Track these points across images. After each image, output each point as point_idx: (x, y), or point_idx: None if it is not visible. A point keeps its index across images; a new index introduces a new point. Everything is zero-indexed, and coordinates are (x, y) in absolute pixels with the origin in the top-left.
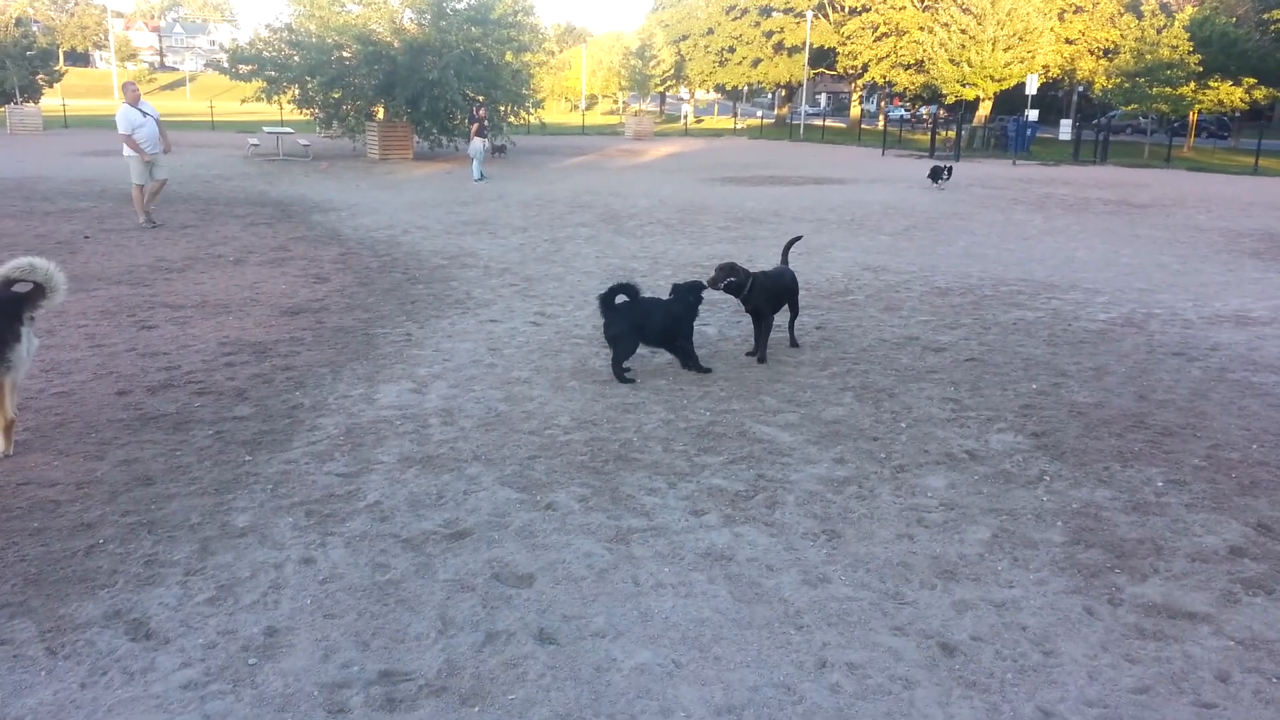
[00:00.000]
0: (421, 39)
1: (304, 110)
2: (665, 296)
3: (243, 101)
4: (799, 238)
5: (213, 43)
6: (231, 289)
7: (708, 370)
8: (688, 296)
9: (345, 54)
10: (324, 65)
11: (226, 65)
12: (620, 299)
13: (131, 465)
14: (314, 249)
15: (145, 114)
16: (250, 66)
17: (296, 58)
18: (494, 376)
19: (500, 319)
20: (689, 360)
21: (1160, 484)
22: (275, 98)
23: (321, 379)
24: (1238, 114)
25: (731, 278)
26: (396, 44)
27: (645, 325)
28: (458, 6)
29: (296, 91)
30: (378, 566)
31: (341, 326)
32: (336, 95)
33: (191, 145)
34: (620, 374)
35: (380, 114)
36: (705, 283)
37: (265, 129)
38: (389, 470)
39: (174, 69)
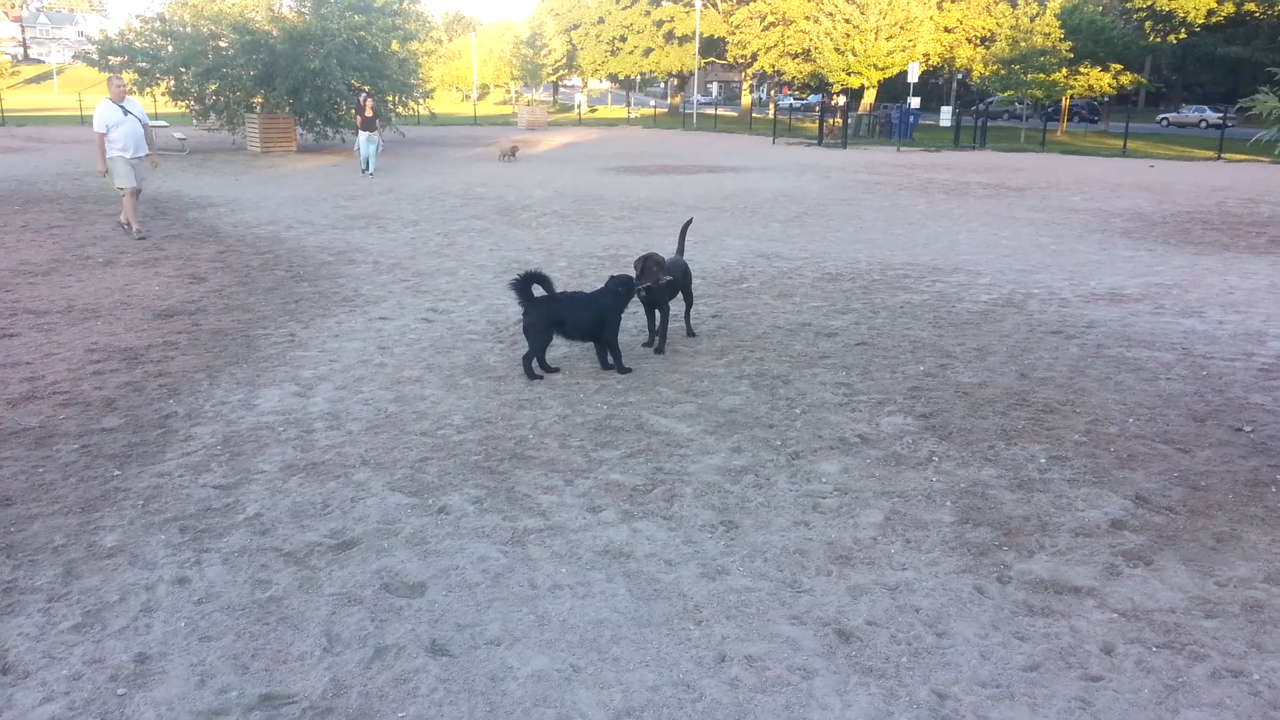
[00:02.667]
0: (302, 27)
1: (179, 102)
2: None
3: None
4: (690, 220)
5: (80, 34)
6: (101, 292)
7: (629, 371)
8: (617, 288)
9: (222, 44)
10: (199, 56)
11: (95, 57)
12: (536, 289)
13: None
14: (190, 248)
15: (127, 112)
16: (121, 58)
17: (170, 48)
18: (384, 376)
19: (390, 316)
20: (614, 358)
21: (1043, 460)
22: (148, 90)
23: (197, 385)
24: (1107, 99)
25: (668, 276)
26: (275, 33)
27: (566, 319)
28: None
29: (171, 83)
30: (258, 583)
31: (220, 329)
32: (213, 87)
33: (60, 141)
34: (530, 369)
35: (260, 105)
36: (637, 284)
37: None
38: (270, 480)
39: (39, 61)
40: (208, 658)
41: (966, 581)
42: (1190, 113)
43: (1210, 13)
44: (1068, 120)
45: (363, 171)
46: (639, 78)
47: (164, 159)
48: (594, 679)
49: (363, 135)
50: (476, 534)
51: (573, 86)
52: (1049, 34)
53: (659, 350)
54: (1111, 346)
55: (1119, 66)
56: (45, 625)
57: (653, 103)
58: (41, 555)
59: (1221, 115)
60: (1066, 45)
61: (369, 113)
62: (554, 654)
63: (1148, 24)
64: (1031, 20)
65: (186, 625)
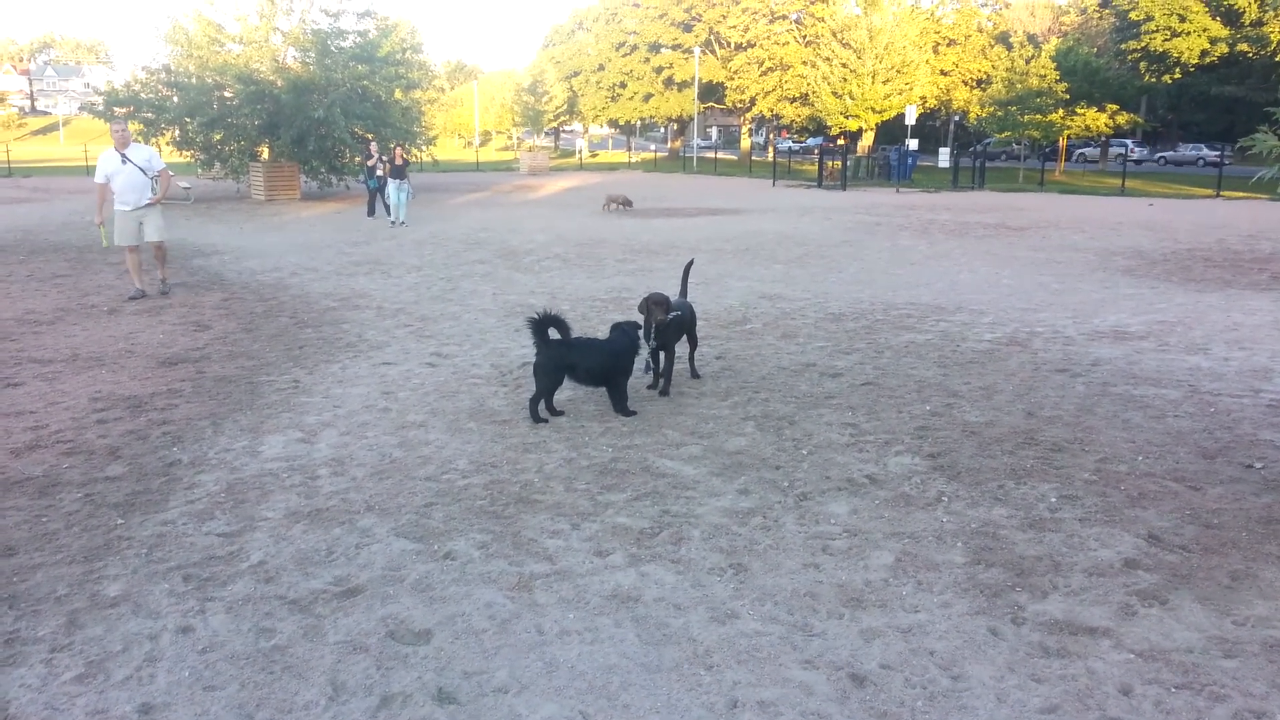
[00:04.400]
0: (306, 77)
1: (184, 152)
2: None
3: None
4: (691, 262)
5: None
6: (105, 340)
7: (634, 414)
8: (633, 333)
9: (226, 94)
10: (204, 106)
11: (101, 108)
12: (552, 332)
13: None
14: (195, 295)
15: (126, 160)
16: (127, 109)
17: (175, 98)
18: (388, 421)
19: (394, 361)
20: (621, 401)
21: (1054, 499)
22: (153, 139)
23: (201, 433)
24: (1104, 138)
25: (676, 312)
26: (280, 83)
27: (578, 364)
28: (343, 45)
29: (176, 133)
30: (262, 631)
31: (224, 376)
32: (218, 136)
33: (65, 191)
34: (535, 412)
35: (265, 154)
36: (647, 324)
37: None
38: (274, 527)
39: (46, 113)
40: (212, 708)
41: (980, 623)
42: (1188, 151)
43: (1204, 53)
44: (1065, 160)
45: (392, 223)
46: (639, 123)
47: (169, 208)
48: None
49: (392, 184)
50: (483, 580)
51: (574, 132)
52: (1045, 75)
53: (664, 392)
54: (1118, 384)
55: (1115, 106)
56: (48, 676)
57: (653, 147)
58: (44, 605)
59: (1219, 153)
60: (1062, 86)
61: (399, 160)
62: (563, 701)
63: (1142, 65)
64: (1027, 62)
65: (190, 675)
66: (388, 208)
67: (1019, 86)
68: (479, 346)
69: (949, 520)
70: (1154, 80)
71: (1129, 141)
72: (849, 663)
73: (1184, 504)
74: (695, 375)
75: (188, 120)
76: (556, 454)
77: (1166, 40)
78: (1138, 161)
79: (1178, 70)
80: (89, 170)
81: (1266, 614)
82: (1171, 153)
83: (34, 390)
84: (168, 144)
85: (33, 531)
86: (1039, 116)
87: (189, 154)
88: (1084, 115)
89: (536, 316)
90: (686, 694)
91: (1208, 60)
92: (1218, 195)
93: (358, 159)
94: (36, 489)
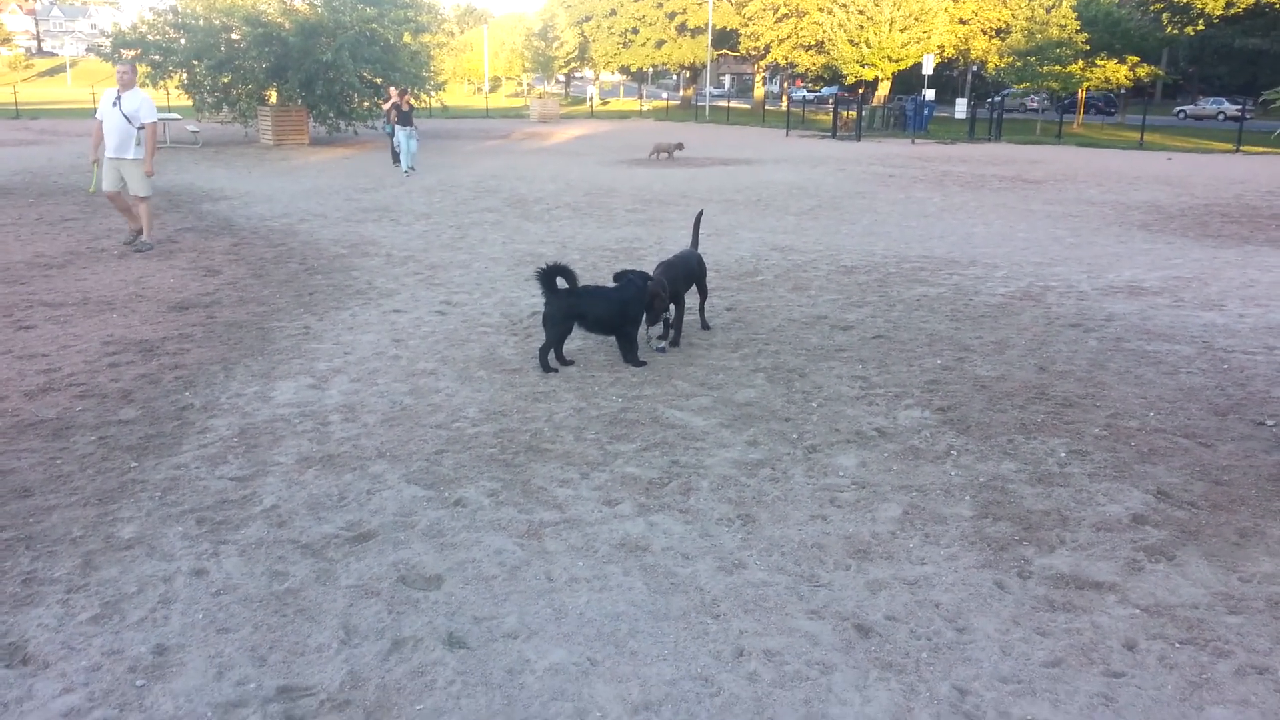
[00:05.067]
0: (314, 20)
1: (191, 95)
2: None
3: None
4: (702, 212)
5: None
6: (116, 285)
7: (643, 364)
8: (640, 282)
9: (234, 36)
10: (212, 49)
11: (108, 50)
12: (560, 281)
13: (7, 476)
14: (204, 240)
15: (116, 103)
16: (134, 51)
17: (183, 41)
18: (398, 369)
19: (404, 309)
20: (630, 351)
21: (1063, 454)
22: (161, 83)
23: (213, 377)
24: (1123, 90)
25: (671, 302)
26: (288, 25)
27: (587, 313)
28: None
29: (184, 76)
30: (275, 575)
31: (234, 321)
32: (226, 79)
33: (74, 134)
34: (545, 362)
35: (273, 98)
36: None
37: None
38: (286, 472)
39: (53, 54)
40: (225, 649)
41: (987, 576)
42: (1208, 105)
43: (1229, 4)
44: (1084, 113)
45: (405, 171)
46: (651, 70)
47: (178, 151)
48: (611, 672)
49: (401, 131)
50: (493, 527)
51: (585, 79)
52: (1065, 26)
53: (674, 343)
54: (1131, 340)
55: (1135, 59)
56: (64, 616)
57: (665, 95)
58: (60, 546)
59: (1240, 107)
60: (1083, 37)
61: (406, 106)
62: (571, 647)
63: (1165, 16)
64: (1047, 12)
65: (204, 617)
66: (396, 156)
67: (1039, 37)
68: (489, 295)
69: (957, 474)
70: (1176, 32)
71: (1223, 99)
72: (854, 613)
73: (1194, 460)
74: (705, 326)
75: (195, 63)
76: (566, 403)
77: None
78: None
79: (1201, 21)
80: (97, 112)
81: (1273, 571)
82: (1192, 106)
83: (46, 333)
84: (176, 87)
85: (48, 473)
86: (1058, 68)
87: (193, 97)
88: (1104, 67)
89: (544, 267)
90: (693, 642)
91: (1232, 11)
92: (1237, 150)
93: (380, 102)
94: (50, 431)
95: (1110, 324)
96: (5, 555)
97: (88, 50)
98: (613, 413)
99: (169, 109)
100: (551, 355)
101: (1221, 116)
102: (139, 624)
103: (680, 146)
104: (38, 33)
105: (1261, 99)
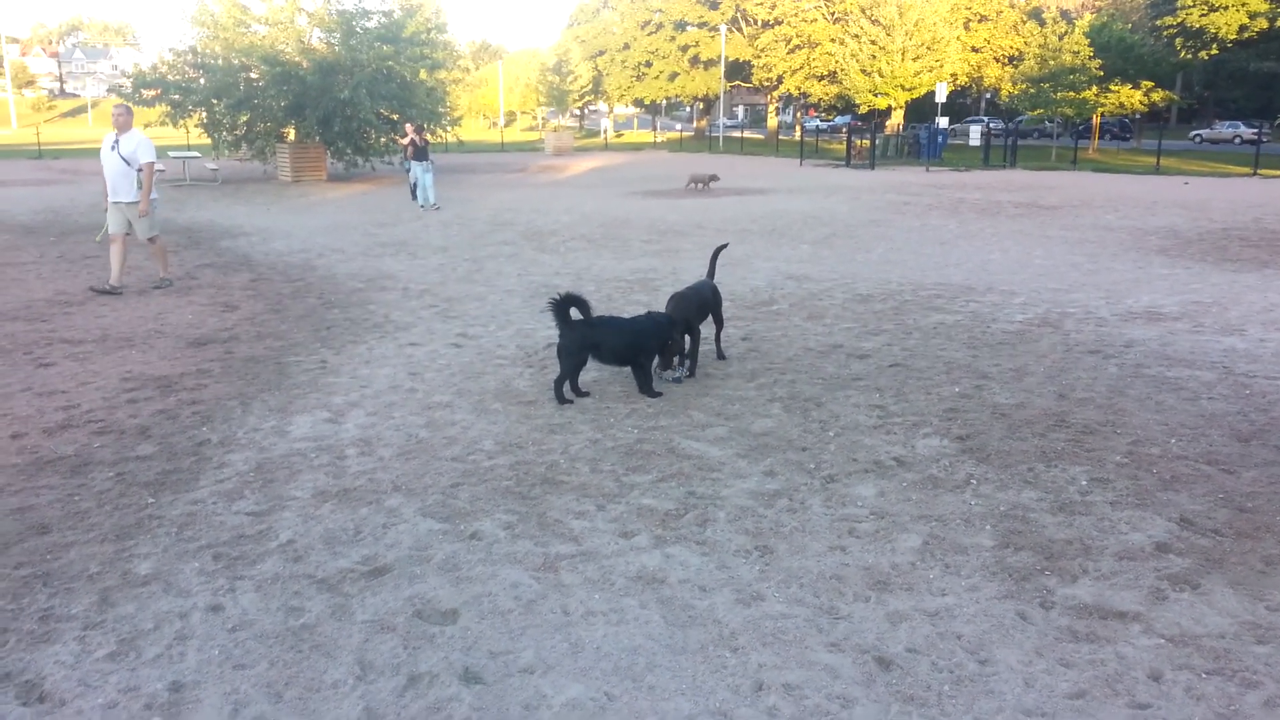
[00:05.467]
0: (331, 58)
1: (210, 134)
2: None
3: (147, 127)
4: (725, 245)
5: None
6: (135, 321)
7: (659, 395)
8: (662, 320)
9: (253, 75)
10: (231, 87)
11: (129, 90)
12: (574, 313)
13: (26, 513)
14: (223, 276)
15: (115, 146)
16: (154, 91)
17: (202, 80)
18: (414, 402)
19: (420, 342)
20: (646, 382)
21: (1084, 482)
22: (181, 121)
23: (230, 412)
24: (1138, 115)
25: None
26: (305, 64)
27: (602, 344)
28: (368, 25)
29: (203, 115)
30: (291, 610)
31: (252, 356)
32: (245, 118)
33: (94, 173)
34: (560, 392)
35: (291, 135)
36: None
37: (171, 154)
38: (303, 506)
39: (75, 95)
40: (241, 686)
41: (1008, 607)
42: (1224, 129)
43: (1242, 28)
44: (1099, 138)
45: (422, 206)
46: (665, 102)
47: (198, 189)
48: (628, 708)
49: (418, 166)
50: (508, 560)
51: (599, 112)
52: (1078, 52)
53: (690, 373)
54: (1151, 366)
55: (1150, 84)
56: (81, 653)
57: (679, 126)
58: (77, 583)
59: (1256, 131)
60: (1096, 63)
61: (421, 141)
62: (588, 682)
63: (1178, 41)
64: (1060, 39)
65: (220, 653)
66: (413, 191)
67: (1051, 63)
68: (504, 327)
69: (977, 503)
70: (1190, 56)
71: (1239, 123)
72: (875, 646)
73: (1217, 487)
74: (721, 356)
75: (215, 102)
76: (582, 435)
77: (1204, 15)
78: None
79: (1215, 46)
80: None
81: None
82: (1207, 130)
83: (65, 370)
84: (195, 126)
85: (65, 510)
86: (1072, 93)
87: (212, 137)
88: (1118, 92)
89: (557, 298)
90: (711, 676)
91: (1246, 35)
92: (1254, 173)
93: (397, 139)
94: (69, 468)
95: (1130, 350)
96: (23, 592)
97: (109, 91)
98: (628, 444)
99: (189, 148)
100: (567, 387)
101: (1238, 140)
102: (155, 660)
103: (715, 178)
104: (60, 74)
105: (1278, 122)
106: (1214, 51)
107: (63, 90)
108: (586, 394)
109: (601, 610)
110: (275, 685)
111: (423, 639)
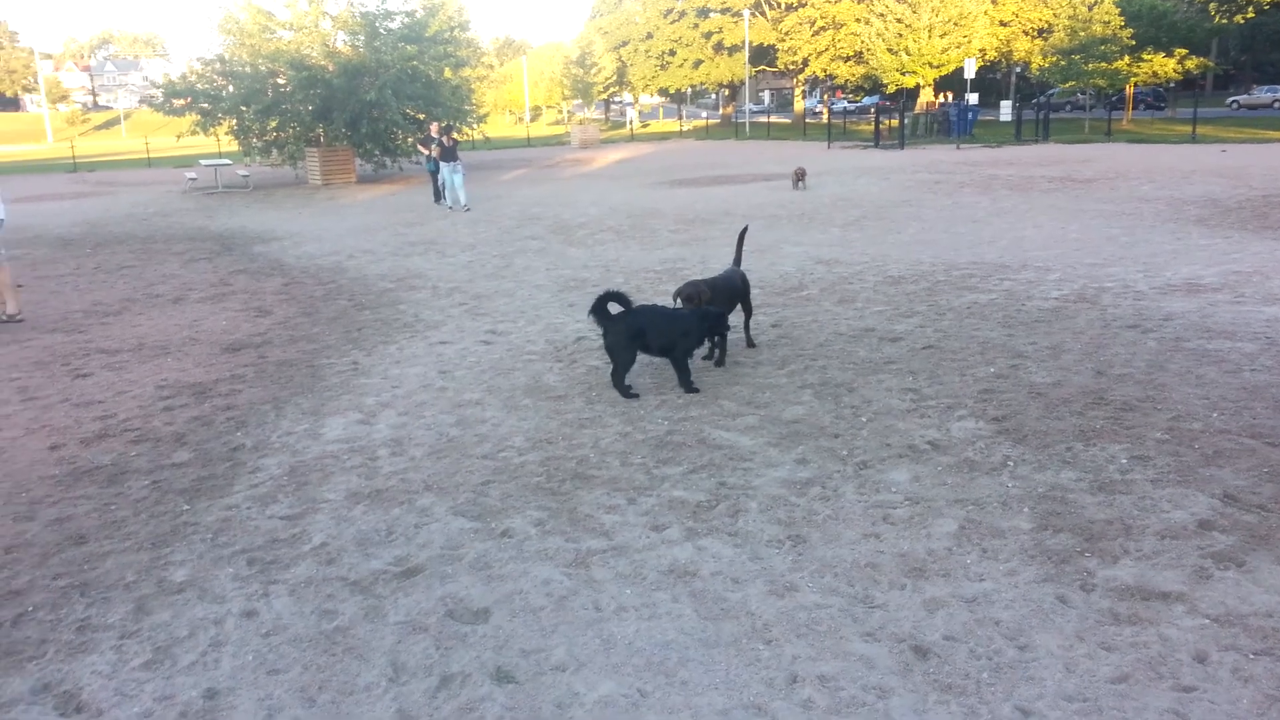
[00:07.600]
0: (356, 60)
1: (239, 141)
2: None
3: (179, 137)
4: (746, 229)
5: (145, 79)
6: (170, 329)
7: (696, 390)
8: (709, 311)
9: (280, 80)
10: (259, 93)
11: (160, 100)
12: (614, 307)
13: (64, 524)
14: (256, 281)
15: None
16: (184, 100)
17: (230, 88)
18: (445, 400)
19: (450, 340)
20: (685, 374)
21: (1124, 461)
22: (211, 130)
23: (264, 417)
24: (1172, 84)
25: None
26: (331, 67)
27: (648, 330)
28: (391, 26)
29: (233, 122)
30: (324, 614)
31: (285, 360)
32: (273, 123)
33: (129, 184)
34: (622, 388)
35: (319, 139)
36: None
37: (202, 162)
38: (335, 508)
39: (107, 108)
40: (275, 691)
41: (1048, 591)
42: (1263, 94)
43: None
44: (1133, 108)
45: (450, 207)
46: (690, 90)
47: (230, 196)
48: (662, 703)
49: (445, 167)
50: (540, 557)
51: (624, 103)
52: (1109, 22)
53: (719, 363)
54: (1191, 339)
55: (1184, 51)
56: (117, 663)
57: (704, 114)
58: (114, 592)
59: None
60: (1127, 33)
61: (449, 142)
62: (621, 678)
63: (1212, 6)
64: (1090, 9)
65: (254, 659)
66: (437, 193)
67: (1082, 34)
68: (533, 323)
69: (1014, 485)
70: (1225, 21)
71: (1278, 87)
72: (911, 634)
73: (1261, 461)
74: (751, 344)
75: (243, 109)
76: (612, 428)
77: None
78: None
79: (1251, 9)
80: (150, 163)
81: None
82: (1245, 96)
83: (102, 380)
84: (225, 133)
85: (102, 519)
86: (1104, 64)
87: (240, 144)
88: (1151, 61)
89: (595, 302)
90: (745, 669)
91: None
92: None
93: (415, 141)
94: (106, 477)
95: (1169, 323)
96: (61, 603)
97: (140, 102)
98: (659, 436)
99: (220, 155)
100: (624, 381)
101: (1277, 105)
102: (190, 668)
103: (804, 173)
104: (93, 88)
105: None
106: (1250, 15)
107: (95, 103)
108: (636, 395)
109: (633, 605)
110: (309, 690)
111: (455, 639)
